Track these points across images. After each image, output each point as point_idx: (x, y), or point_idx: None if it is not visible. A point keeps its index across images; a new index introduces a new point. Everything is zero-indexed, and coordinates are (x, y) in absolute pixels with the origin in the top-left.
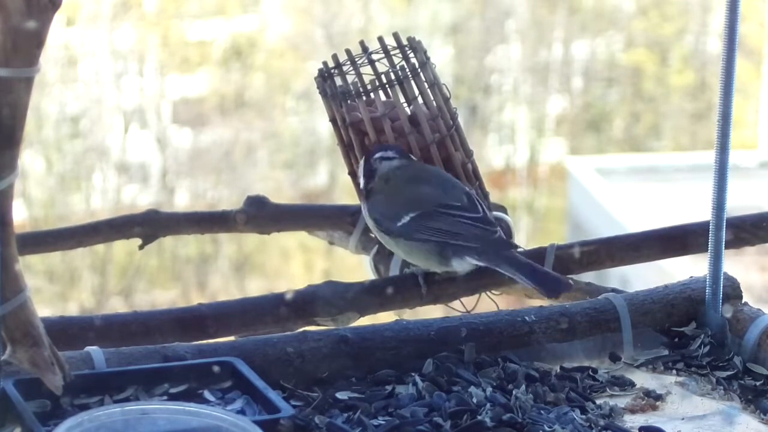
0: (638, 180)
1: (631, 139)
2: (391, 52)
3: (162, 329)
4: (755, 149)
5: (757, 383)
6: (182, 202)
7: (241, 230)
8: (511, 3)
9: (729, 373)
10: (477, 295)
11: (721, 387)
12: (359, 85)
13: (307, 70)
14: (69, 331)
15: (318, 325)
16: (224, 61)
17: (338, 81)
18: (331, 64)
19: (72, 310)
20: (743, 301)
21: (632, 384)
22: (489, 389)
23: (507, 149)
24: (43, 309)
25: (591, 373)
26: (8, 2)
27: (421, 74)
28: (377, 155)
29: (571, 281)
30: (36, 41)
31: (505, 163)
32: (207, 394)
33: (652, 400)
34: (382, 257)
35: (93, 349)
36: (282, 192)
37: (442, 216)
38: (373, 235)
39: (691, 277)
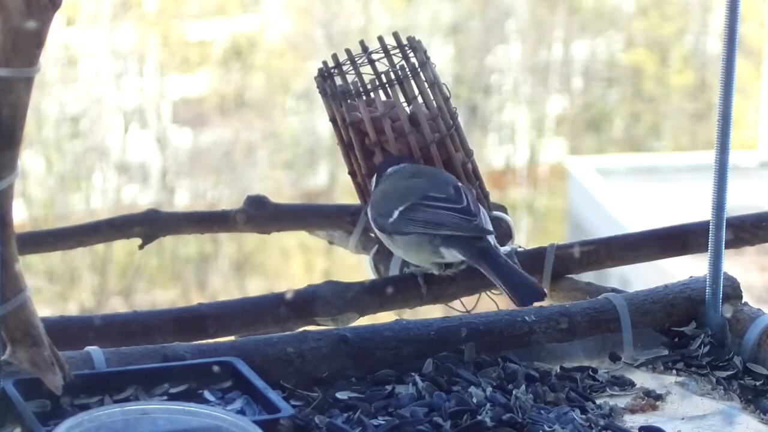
0: (638, 180)
1: (631, 139)
2: (391, 52)
3: (162, 329)
4: (755, 149)
5: (757, 383)
6: (182, 202)
7: (241, 230)
8: (511, 3)
9: (729, 373)
10: (477, 295)
11: (721, 387)
12: (359, 84)
13: (307, 70)
14: (69, 331)
15: (318, 325)
16: (224, 61)
17: (338, 81)
18: (331, 63)
19: (72, 310)
20: (743, 301)
21: (632, 384)
22: (489, 389)
23: (507, 149)
24: (43, 309)
25: (591, 373)
26: (8, 2)
27: (421, 74)
28: (390, 170)
29: (546, 291)
30: (36, 41)
31: (505, 163)
32: (207, 394)
33: (652, 400)
34: (382, 257)
35: (93, 349)
36: (282, 192)
37: (425, 207)
38: (373, 235)
39: (691, 277)
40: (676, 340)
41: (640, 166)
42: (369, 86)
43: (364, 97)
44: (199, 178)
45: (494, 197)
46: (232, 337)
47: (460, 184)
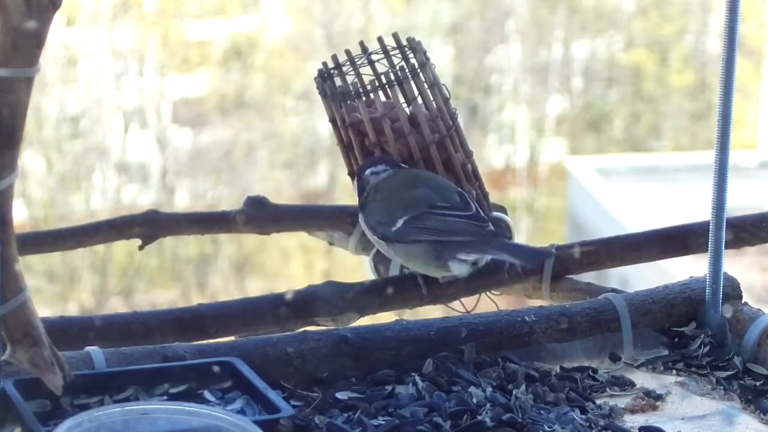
0: (638, 180)
1: (631, 139)
2: (391, 53)
3: (162, 329)
4: (755, 149)
5: (757, 383)
6: (182, 202)
7: (241, 230)
8: (511, 3)
9: (729, 373)
10: (477, 295)
11: (721, 387)
12: (359, 85)
13: (307, 70)
14: (69, 331)
15: (318, 325)
16: (224, 61)
17: (338, 81)
18: (330, 64)
19: (72, 310)
20: (743, 301)
21: (632, 384)
22: (489, 389)
23: (507, 149)
24: (43, 309)
25: (591, 373)
26: (8, 2)
27: (421, 75)
28: (367, 171)
29: (553, 250)
30: (36, 41)
31: (505, 163)
32: (207, 394)
33: (652, 400)
34: (382, 257)
35: (93, 349)
36: (282, 192)
37: (434, 216)
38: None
39: (691, 277)
40: (676, 340)
41: (640, 166)
42: (369, 87)
43: (364, 98)
44: (199, 178)
45: (494, 197)
46: (232, 338)
47: (461, 190)
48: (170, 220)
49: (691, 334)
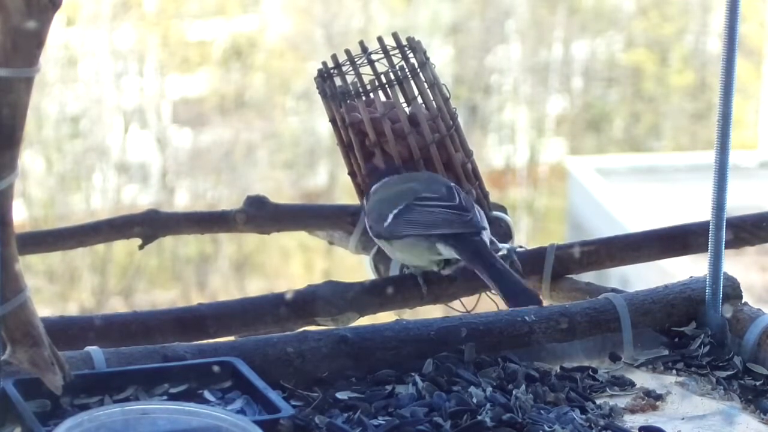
0: (638, 180)
1: (631, 139)
2: (391, 53)
3: (162, 329)
4: (755, 149)
5: (757, 383)
6: (182, 202)
7: (241, 230)
8: (511, 3)
9: (729, 373)
10: (477, 295)
11: (721, 387)
12: (359, 85)
13: (307, 70)
14: (69, 331)
15: (318, 325)
16: (224, 61)
17: (338, 81)
18: (330, 64)
19: (72, 310)
20: (743, 301)
21: (632, 384)
22: (489, 389)
23: (507, 149)
24: (43, 309)
25: (591, 373)
26: (8, 2)
27: (421, 74)
28: (376, 186)
29: (540, 297)
30: (36, 41)
31: (505, 163)
32: (207, 394)
33: (652, 400)
34: (382, 257)
35: (93, 349)
36: (282, 192)
37: (418, 208)
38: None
39: (691, 277)
40: (676, 340)
41: (640, 166)
42: (369, 87)
43: (364, 98)
44: (199, 178)
45: (494, 197)
46: (232, 337)
47: (452, 184)
48: (170, 220)
49: (691, 334)
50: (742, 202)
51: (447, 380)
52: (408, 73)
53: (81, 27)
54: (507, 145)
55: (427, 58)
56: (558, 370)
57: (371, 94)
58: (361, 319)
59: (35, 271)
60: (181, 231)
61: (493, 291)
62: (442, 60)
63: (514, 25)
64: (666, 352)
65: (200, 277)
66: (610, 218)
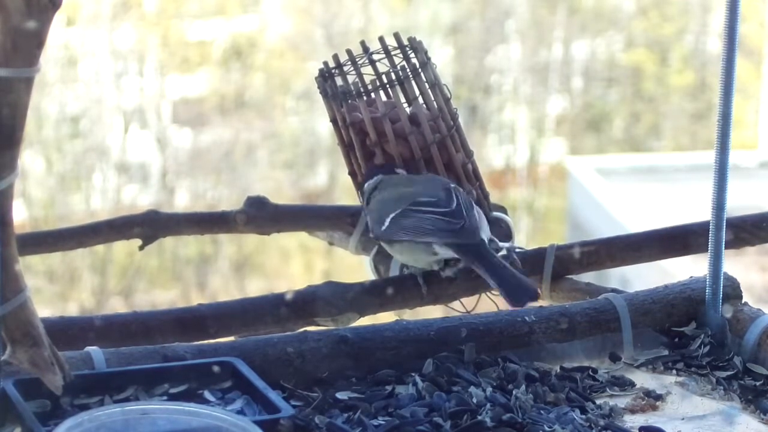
0: (638, 180)
1: (631, 139)
2: (392, 52)
3: (162, 329)
4: (755, 149)
5: (757, 383)
6: (182, 202)
7: (241, 231)
8: (511, 3)
9: (729, 373)
10: (477, 295)
11: (721, 387)
12: (360, 85)
13: (307, 70)
14: (69, 331)
15: (318, 325)
16: (224, 61)
17: (339, 81)
18: (331, 64)
19: (72, 310)
20: (743, 301)
21: (632, 384)
22: (489, 389)
23: (507, 149)
24: (43, 309)
25: (591, 373)
26: (8, 2)
27: (422, 74)
28: (369, 184)
29: (539, 292)
30: (36, 41)
31: (505, 163)
32: (207, 394)
33: (652, 400)
34: (382, 257)
35: (93, 349)
36: (282, 192)
37: (413, 213)
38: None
39: (691, 277)
40: (676, 340)
41: (640, 166)
42: (370, 87)
43: (365, 98)
44: (199, 178)
45: (494, 197)
46: (232, 338)
47: (453, 185)
48: (170, 220)
49: (691, 334)
50: (742, 202)
51: (447, 380)
52: (409, 73)
53: (81, 27)
54: (507, 145)
55: (428, 58)
56: (558, 370)
57: (372, 94)
58: (361, 319)
59: (35, 272)
60: (181, 232)
61: (492, 290)
62: (442, 60)
63: (514, 25)
64: (666, 352)
65: (200, 278)
66: (610, 218)
